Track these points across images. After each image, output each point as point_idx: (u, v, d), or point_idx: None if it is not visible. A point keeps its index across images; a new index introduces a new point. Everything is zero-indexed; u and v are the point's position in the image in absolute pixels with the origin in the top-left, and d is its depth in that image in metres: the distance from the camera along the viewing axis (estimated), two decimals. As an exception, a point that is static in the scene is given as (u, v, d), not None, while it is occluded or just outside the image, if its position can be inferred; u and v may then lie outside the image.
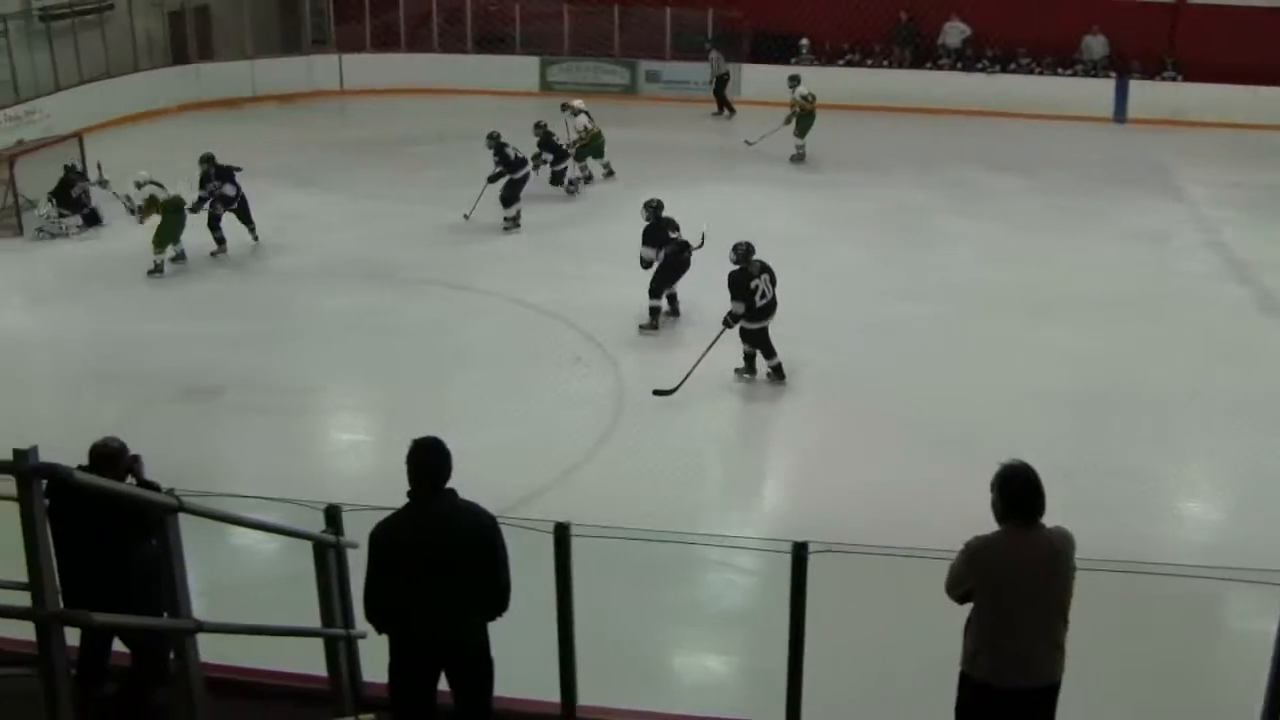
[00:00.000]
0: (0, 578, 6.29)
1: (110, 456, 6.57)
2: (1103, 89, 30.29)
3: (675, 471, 12.75)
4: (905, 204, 22.77)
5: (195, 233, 19.36)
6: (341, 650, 6.59)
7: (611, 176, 24.20)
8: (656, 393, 14.56)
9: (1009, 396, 14.35)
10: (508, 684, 6.36)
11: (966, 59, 31.02)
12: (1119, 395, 14.57)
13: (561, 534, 6.59)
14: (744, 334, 14.93)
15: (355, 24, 33.55)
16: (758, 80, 30.80)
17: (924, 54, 31.49)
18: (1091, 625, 6.22)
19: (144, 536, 6.00)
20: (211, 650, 5.62)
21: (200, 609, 5.42)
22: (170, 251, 19.24)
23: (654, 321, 16.83)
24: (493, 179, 21.47)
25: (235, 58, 32.12)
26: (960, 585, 5.89)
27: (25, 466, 4.25)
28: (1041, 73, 30.82)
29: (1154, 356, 15.69)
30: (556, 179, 23.25)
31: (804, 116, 25.72)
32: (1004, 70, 30.71)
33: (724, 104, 30.62)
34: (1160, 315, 17.25)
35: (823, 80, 29.84)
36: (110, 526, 6.18)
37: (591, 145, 24.14)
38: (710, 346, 14.80)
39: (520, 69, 32.33)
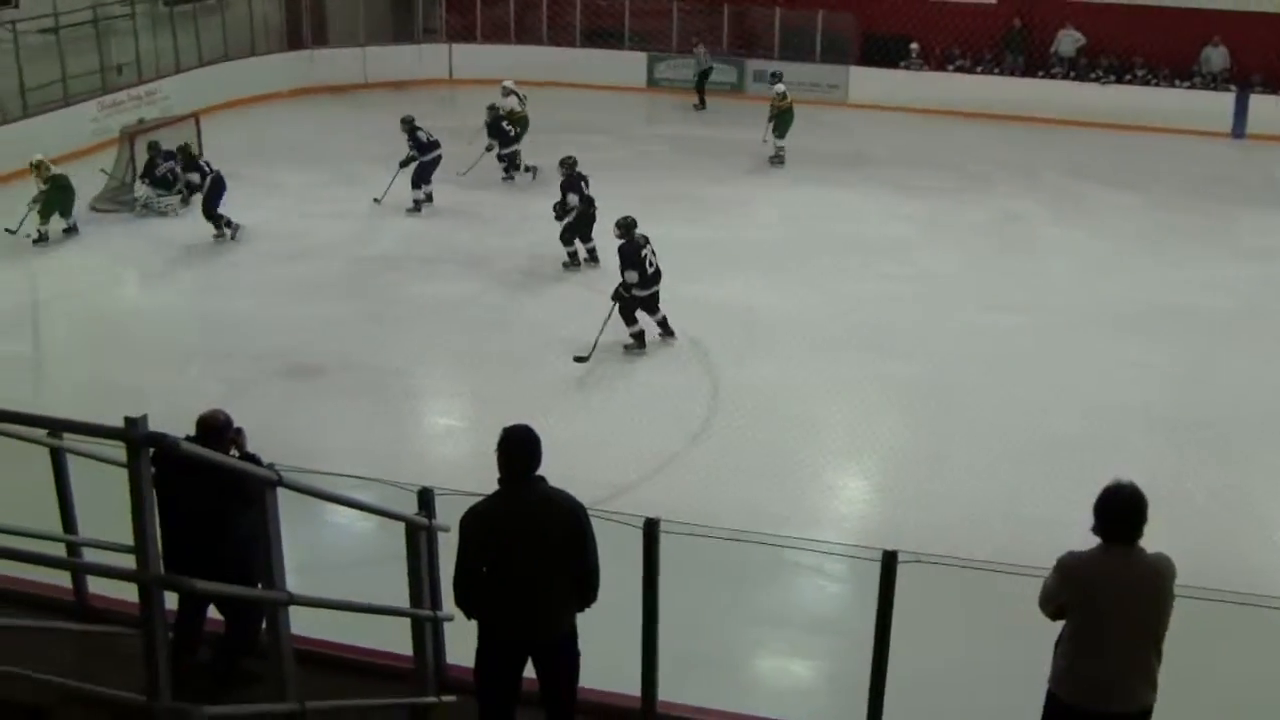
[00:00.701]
0: (108, 540, 6.51)
1: (216, 428, 6.74)
2: (1222, 102, 29.24)
3: (767, 472, 12.74)
4: (1008, 213, 22.53)
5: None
6: (428, 632, 6.66)
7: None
8: (576, 359, 15.39)
9: (1104, 412, 14.15)
10: (589, 676, 6.40)
11: (1080, 68, 30.43)
12: (1218, 418, 14.23)
13: (650, 529, 6.57)
14: (638, 301, 15.76)
15: (466, 14, 33.81)
16: (865, 84, 30.62)
17: (1036, 62, 30.99)
18: (1189, 657, 6.06)
19: (244, 508, 6.16)
20: (301, 623, 5.73)
21: (292, 583, 5.54)
22: (63, 223, 19.95)
23: (574, 263, 18.89)
24: (405, 163, 21.86)
25: (348, 44, 32.52)
26: (1052, 601, 5.73)
27: (135, 434, 4.37)
28: (1158, 84, 29.93)
29: (1258, 380, 15.33)
30: (508, 164, 23.75)
31: (782, 115, 25.41)
32: (1119, 81, 30.03)
33: (702, 98, 31.13)
34: (1268, 337, 16.77)
35: (931, 86, 29.74)
36: (212, 497, 6.34)
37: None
38: (609, 317, 15.59)
39: (628, 64, 32.39)
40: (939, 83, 30.28)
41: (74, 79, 25.94)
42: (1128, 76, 30.13)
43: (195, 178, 20.34)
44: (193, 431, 6.64)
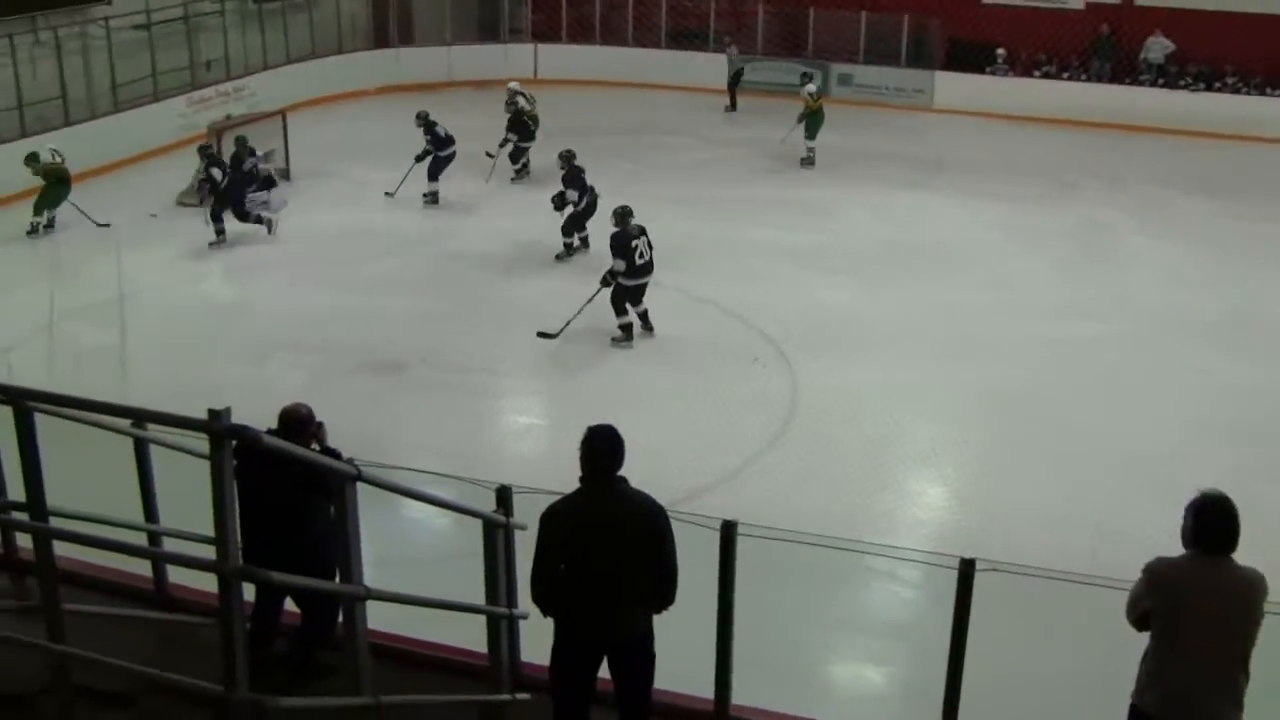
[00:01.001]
0: (188, 531, 6.58)
1: (299, 421, 6.79)
2: (1316, 111, 28.79)
3: (844, 476, 12.71)
4: (1093, 221, 22.29)
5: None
6: (503, 630, 6.67)
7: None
8: (540, 335, 16.20)
9: (1187, 424, 13.97)
10: (663, 677, 6.39)
11: (1169, 75, 29.99)
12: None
13: (728, 532, 6.57)
14: (624, 290, 16.17)
15: (551, 14, 33.90)
16: (951, 89, 30.40)
17: (1124, 69, 30.58)
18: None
19: (322, 502, 6.20)
20: (375, 618, 5.76)
21: (368, 577, 5.57)
22: (45, 217, 20.20)
23: (567, 253, 19.44)
24: (420, 158, 22.11)
25: (434, 43, 32.74)
26: (1137, 606, 5.59)
27: (218, 427, 4.41)
28: (1249, 92, 29.45)
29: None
30: (515, 157, 23.79)
31: (813, 116, 25.42)
32: (1208, 88, 29.55)
33: (733, 99, 31.01)
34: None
35: (1017, 92, 29.47)
36: (292, 490, 6.39)
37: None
38: (591, 299, 16.20)
39: (712, 66, 32.34)
40: (1025, 89, 30.00)
41: (164, 75, 26.32)
42: (1218, 84, 29.62)
43: (216, 174, 20.44)
44: (274, 424, 6.70)
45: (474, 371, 15.33)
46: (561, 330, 16.16)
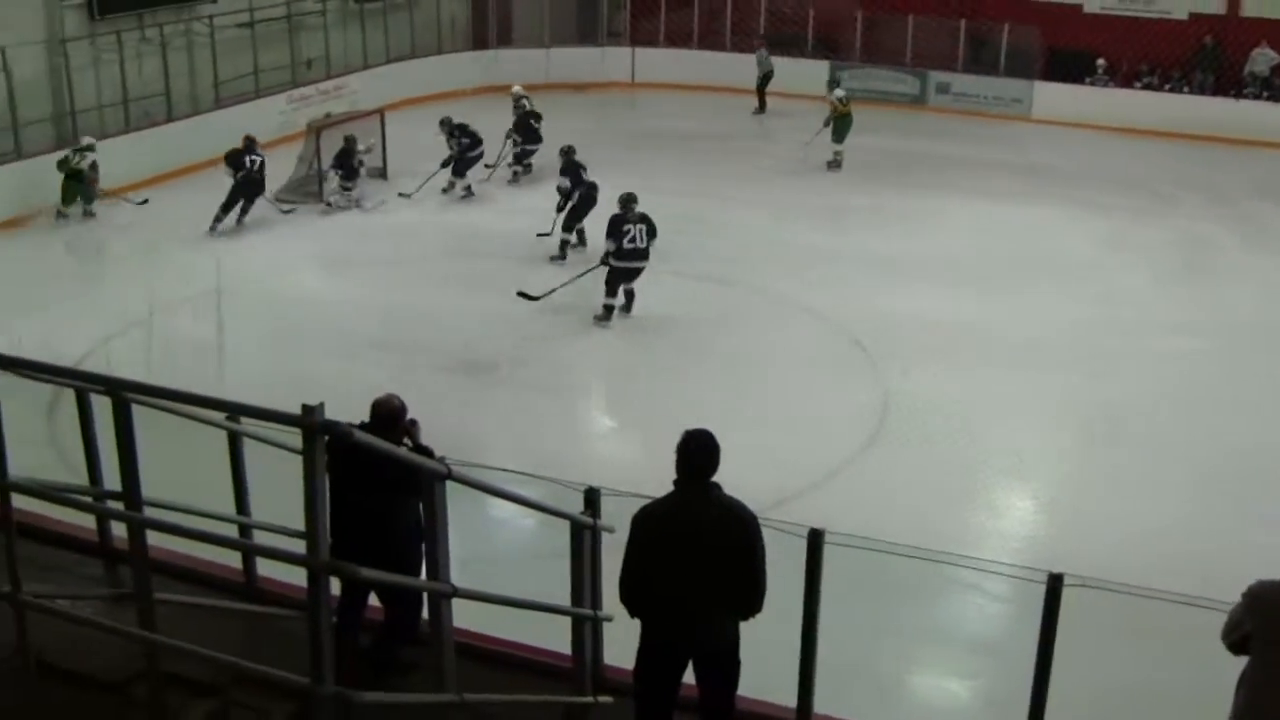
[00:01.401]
0: (278, 524, 6.64)
1: (391, 414, 6.81)
2: None
3: (934, 486, 12.61)
4: (1193, 235, 21.96)
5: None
6: (587, 631, 6.68)
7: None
8: (520, 295, 17.06)
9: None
10: (746, 684, 6.37)
11: (1273, 88, 29.47)
12: None
13: (815, 540, 6.52)
14: (614, 271, 16.93)
15: (650, 18, 33.94)
16: (1050, 99, 30.06)
17: (1228, 81, 30.06)
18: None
19: (411, 499, 6.22)
20: (461, 615, 5.78)
21: (454, 575, 5.59)
22: (77, 208, 20.70)
23: (563, 253, 19.37)
24: (446, 163, 22.46)
25: (532, 45, 32.89)
26: (1236, 630, 5.29)
27: (311, 422, 4.43)
28: (1360, 106, 28.96)
29: None
30: (519, 159, 23.75)
31: (841, 120, 25.33)
32: (1314, 102, 29.08)
33: (763, 102, 30.95)
34: None
35: (1118, 102, 29.09)
36: (382, 486, 6.42)
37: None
38: (582, 274, 17.32)
39: (810, 73, 32.19)
40: (1125, 100, 29.58)
41: (265, 72, 26.68)
42: (1325, 98, 29.04)
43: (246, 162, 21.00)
44: (366, 417, 6.74)
45: (564, 372, 15.39)
46: (544, 295, 17.09)
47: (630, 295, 17.17)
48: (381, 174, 23.38)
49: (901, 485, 12.62)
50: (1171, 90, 30.28)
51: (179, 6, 25.09)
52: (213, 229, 20.38)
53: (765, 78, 30.87)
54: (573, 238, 19.67)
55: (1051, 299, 18.02)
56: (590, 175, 19.73)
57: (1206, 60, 30.18)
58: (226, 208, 20.56)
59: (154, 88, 24.15)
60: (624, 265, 16.86)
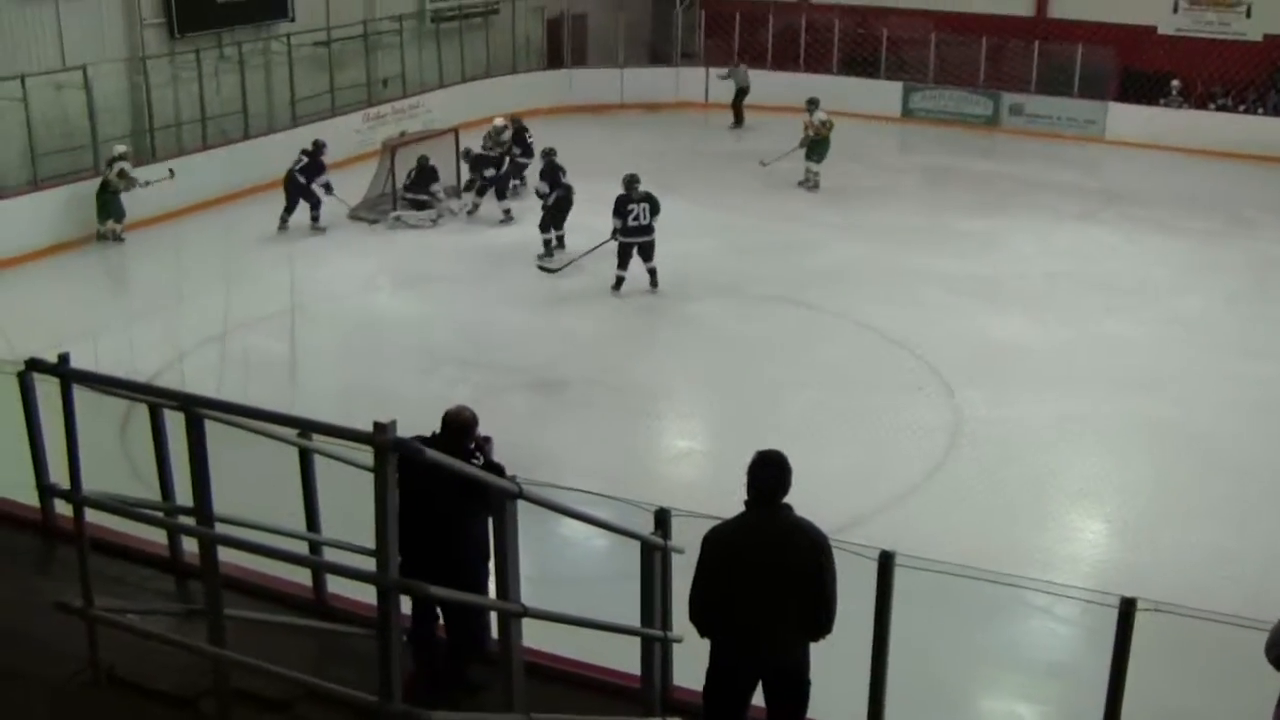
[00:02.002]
0: (348, 541, 6.65)
1: (462, 426, 6.77)
2: None
3: (1006, 509, 12.48)
4: (1269, 257, 21.60)
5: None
6: (657, 652, 6.65)
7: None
8: (541, 269, 19.43)
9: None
10: (815, 705, 6.33)
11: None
12: None
13: (885, 562, 6.51)
14: (622, 246, 18.68)
15: (724, 39, 33.98)
16: (1124, 120, 29.77)
17: (1304, 103, 29.69)
18: None
19: (480, 516, 6.19)
20: (530, 635, 5.76)
21: (524, 594, 5.57)
22: (110, 226, 20.43)
23: (547, 252, 20.34)
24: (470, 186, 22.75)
25: (606, 65, 33.04)
26: (1277, 647, 5.42)
27: (383, 440, 4.44)
28: None
29: None
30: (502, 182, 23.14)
31: (820, 142, 25.02)
32: (1393, 123, 28.58)
33: (739, 117, 31.23)
34: None
35: (1192, 124, 28.82)
36: (453, 502, 6.39)
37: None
38: (595, 247, 18.96)
39: (883, 93, 32.12)
40: (1200, 121, 29.28)
41: (341, 91, 26.92)
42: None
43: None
44: (438, 427, 6.72)
45: (637, 393, 15.36)
46: (563, 268, 19.33)
47: (652, 273, 18.78)
48: (456, 192, 23.46)
49: (972, 507, 12.51)
50: (1246, 111, 29.90)
51: (257, 25, 25.42)
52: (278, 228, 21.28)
53: (741, 93, 31.27)
54: (552, 238, 20.45)
55: (1126, 322, 17.83)
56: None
57: (1279, 82, 29.76)
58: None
59: (231, 105, 24.42)
60: (629, 240, 18.62)
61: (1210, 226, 23.24)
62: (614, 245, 18.78)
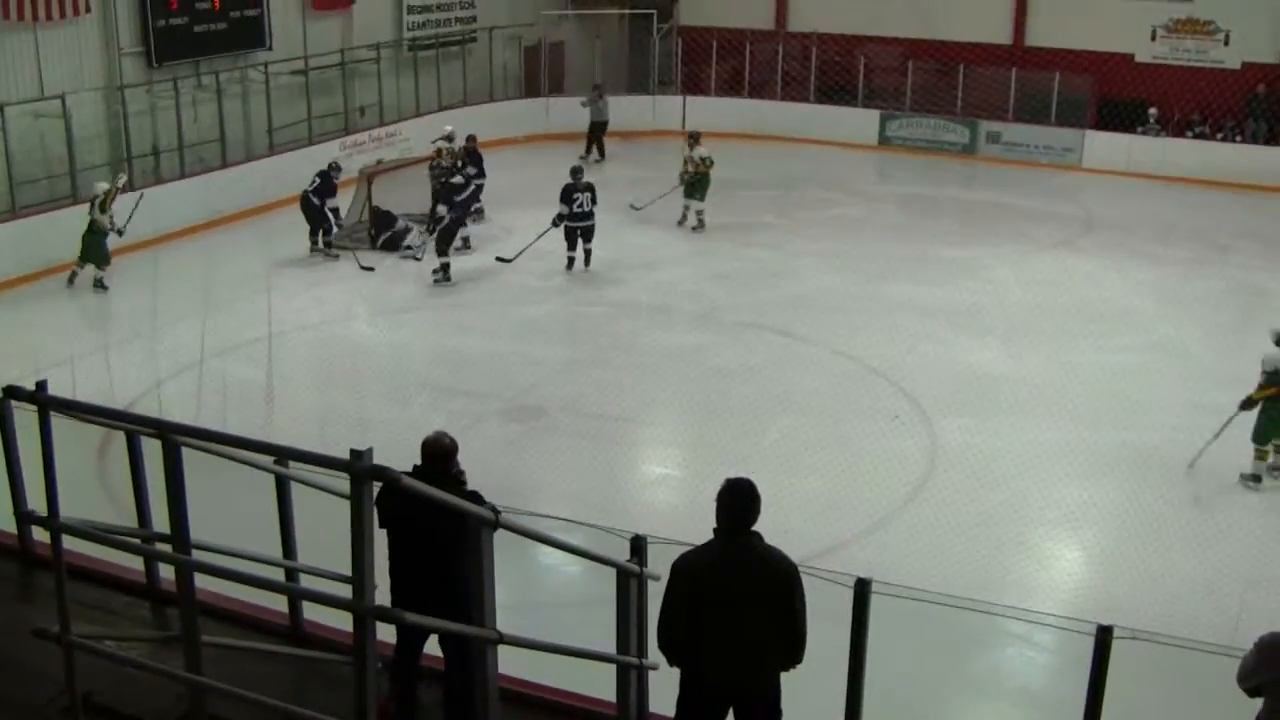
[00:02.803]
0: (325, 569, 6.65)
1: (443, 453, 6.76)
2: None
3: (982, 536, 12.47)
4: (1248, 286, 21.75)
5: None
6: (632, 679, 6.66)
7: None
8: (499, 259, 21.27)
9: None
10: (789, 734, 6.33)
11: (1327, 137, 29.25)
12: None
13: (861, 589, 6.51)
14: (567, 230, 21.10)
15: (701, 67, 34.13)
16: (1101, 148, 29.96)
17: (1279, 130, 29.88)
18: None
19: (461, 545, 6.17)
20: (505, 662, 5.77)
21: (500, 621, 5.58)
22: (91, 272, 19.86)
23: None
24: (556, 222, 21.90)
25: (583, 94, 33.09)
26: (1250, 679, 5.36)
27: (360, 468, 4.45)
28: None
29: None
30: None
31: (700, 179, 23.97)
32: (1369, 152, 28.76)
33: (594, 147, 30.47)
34: None
35: (1169, 152, 28.98)
36: (441, 533, 6.36)
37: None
38: (542, 234, 20.97)
39: (860, 121, 32.29)
40: (1177, 149, 29.44)
41: (319, 119, 26.96)
42: (1380, 148, 28.73)
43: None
44: (418, 457, 6.73)
45: (613, 420, 15.37)
46: (516, 257, 21.14)
47: (588, 253, 21.25)
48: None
49: (949, 535, 12.50)
50: (1223, 139, 30.10)
51: (235, 54, 25.42)
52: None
53: (600, 126, 30.63)
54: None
55: (1104, 350, 17.89)
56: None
57: (1259, 109, 29.98)
58: None
59: (209, 134, 24.42)
60: (575, 225, 21.06)
61: (1188, 254, 23.39)
62: (559, 234, 20.97)
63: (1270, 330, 14.75)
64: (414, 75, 30.03)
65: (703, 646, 6.07)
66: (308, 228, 21.74)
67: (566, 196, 20.93)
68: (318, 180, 21.58)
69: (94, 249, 19.81)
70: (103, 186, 20.09)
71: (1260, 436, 14.20)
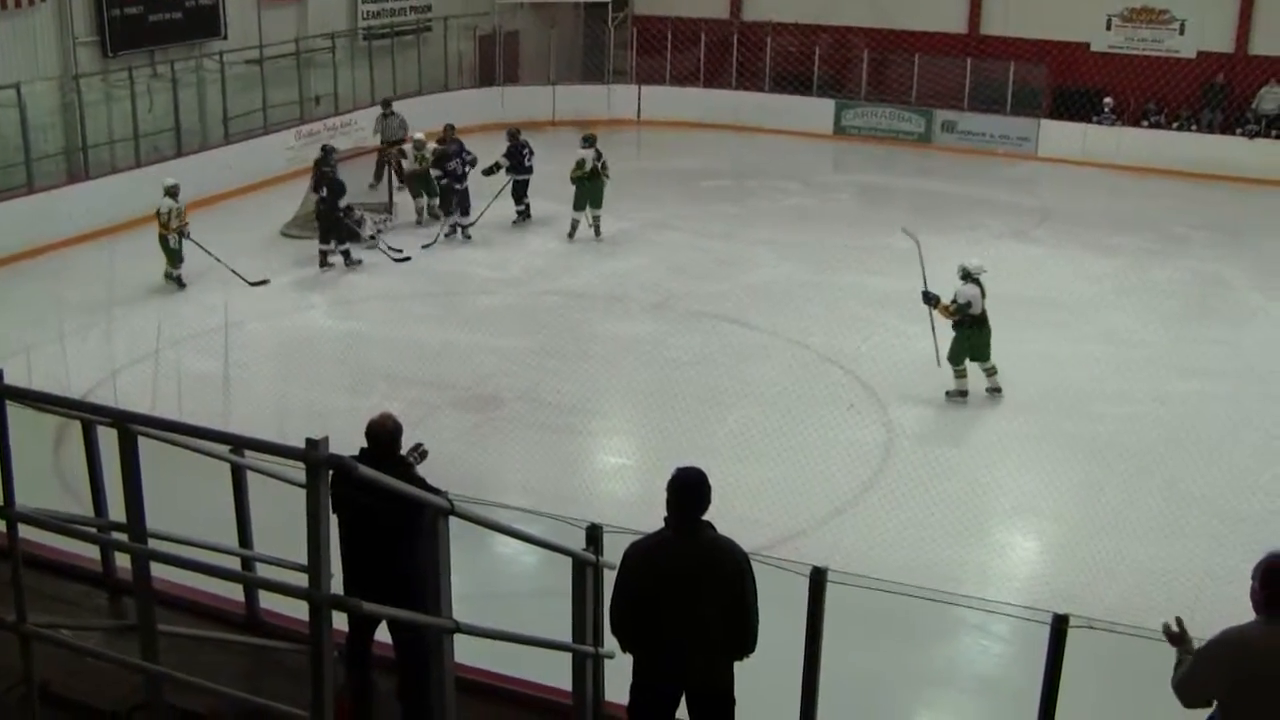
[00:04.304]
0: (282, 557, 6.66)
1: (387, 435, 6.76)
2: None
3: (937, 526, 12.53)
4: (1205, 275, 21.93)
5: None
6: (588, 667, 6.69)
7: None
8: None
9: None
10: (745, 722, 6.37)
11: (1280, 127, 29.52)
12: None
13: (818, 579, 6.50)
14: (516, 185, 23.06)
15: (656, 56, 34.13)
16: (1056, 137, 30.13)
17: (1235, 119, 30.07)
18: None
19: (412, 531, 6.18)
20: (461, 651, 5.79)
21: (456, 610, 5.60)
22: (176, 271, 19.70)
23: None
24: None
25: (538, 82, 33.15)
26: (1215, 684, 5.34)
27: (315, 457, 4.45)
28: (1367, 144, 28.79)
29: None
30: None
31: (586, 182, 22.47)
32: (1323, 141, 28.96)
33: (385, 171, 24.89)
34: None
35: (1125, 141, 29.17)
36: (393, 520, 6.37)
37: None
38: (497, 195, 22.85)
39: (815, 110, 32.36)
40: (1132, 138, 29.69)
41: (274, 109, 26.84)
42: (1334, 136, 28.94)
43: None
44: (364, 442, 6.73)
45: (569, 410, 15.39)
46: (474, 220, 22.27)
47: (528, 207, 23.26)
48: (387, 209, 23.40)
49: (905, 524, 12.57)
50: (1179, 129, 30.24)
51: (190, 44, 25.28)
52: None
53: (392, 145, 25.54)
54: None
55: (1059, 340, 17.99)
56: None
57: (1215, 99, 30.21)
58: None
59: (164, 123, 24.30)
60: (523, 177, 23.06)
61: (1142, 244, 23.56)
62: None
63: (958, 266, 16.17)
64: (369, 65, 29.92)
65: (655, 636, 6.10)
66: (316, 236, 20.86)
67: (517, 154, 22.81)
68: (323, 190, 20.77)
69: (172, 252, 19.59)
70: (169, 181, 19.63)
71: (955, 358, 15.93)
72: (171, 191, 19.39)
